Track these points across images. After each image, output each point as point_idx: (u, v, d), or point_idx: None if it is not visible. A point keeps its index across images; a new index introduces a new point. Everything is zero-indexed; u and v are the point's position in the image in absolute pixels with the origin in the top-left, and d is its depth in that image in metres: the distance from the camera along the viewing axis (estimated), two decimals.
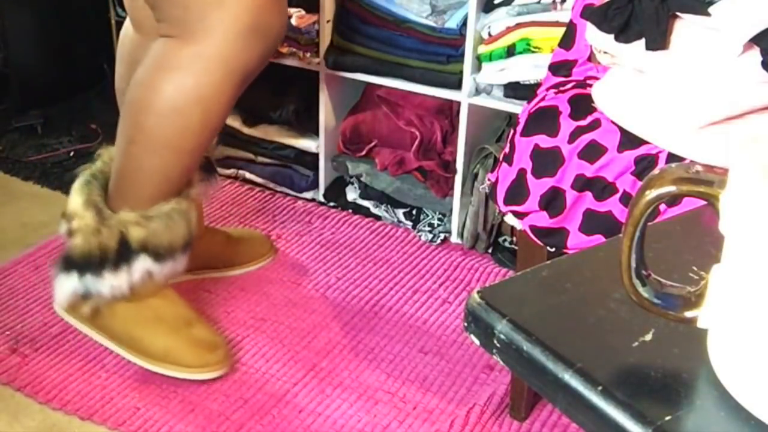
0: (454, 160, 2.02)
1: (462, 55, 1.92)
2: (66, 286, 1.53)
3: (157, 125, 1.42)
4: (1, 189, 2.26)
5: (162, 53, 1.42)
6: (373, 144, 2.13)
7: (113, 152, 1.55)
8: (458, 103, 1.97)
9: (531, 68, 1.83)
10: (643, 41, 1.12)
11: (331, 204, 2.23)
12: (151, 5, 1.43)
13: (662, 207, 1.03)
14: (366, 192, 2.17)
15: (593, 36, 1.20)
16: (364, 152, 2.13)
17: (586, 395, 0.50)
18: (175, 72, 1.40)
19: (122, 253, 1.49)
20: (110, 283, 1.50)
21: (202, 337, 1.61)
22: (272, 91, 2.18)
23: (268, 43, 1.44)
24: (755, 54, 1.05)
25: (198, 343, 1.59)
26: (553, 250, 1.33)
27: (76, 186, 1.55)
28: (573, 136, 1.26)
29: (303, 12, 2.13)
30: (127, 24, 1.69)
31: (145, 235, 1.48)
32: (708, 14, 1.06)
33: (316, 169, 2.24)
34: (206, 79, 1.40)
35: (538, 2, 1.82)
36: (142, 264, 1.50)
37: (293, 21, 2.10)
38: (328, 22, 2.08)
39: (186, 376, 1.58)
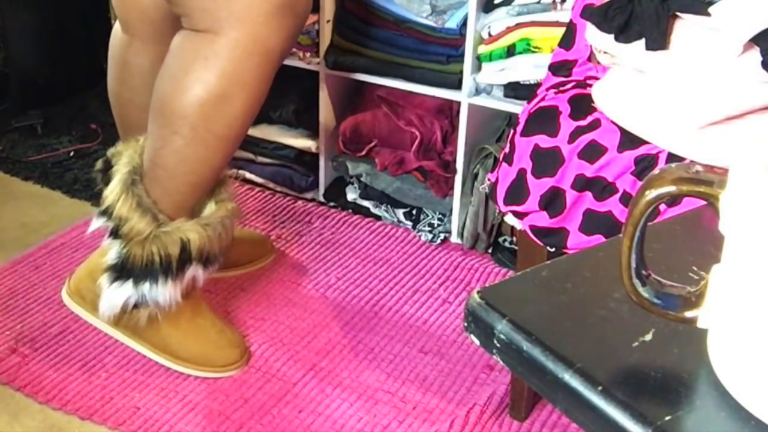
0: (454, 160, 2.02)
1: (462, 55, 1.92)
2: (118, 296, 1.50)
3: (203, 115, 1.42)
4: (1, 189, 2.26)
5: (194, 45, 1.41)
6: (373, 144, 2.12)
7: (140, 146, 1.53)
8: (458, 103, 1.97)
9: (531, 68, 1.83)
10: (643, 41, 1.12)
11: (331, 204, 2.23)
12: (176, 7, 1.42)
13: (662, 207, 1.03)
14: (366, 192, 2.17)
15: (593, 36, 1.20)
16: (364, 152, 2.13)
17: (586, 395, 0.50)
18: (213, 61, 1.39)
19: (182, 261, 1.47)
20: (168, 291, 1.48)
21: (227, 336, 1.64)
22: (272, 91, 2.17)
23: (298, 19, 1.45)
24: (755, 54, 1.05)
25: (226, 344, 1.63)
26: (553, 250, 1.33)
27: (118, 186, 1.50)
28: (573, 136, 1.26)
29: None
30: (117, 26, 1.69)
31: (202, 243, 1.48)
32: (708, 14, 1.06)
33: (316, 169, 2.24)
34: (247, 64, 1.40)
35: (538, 2, 1.82)
36: (193, 271, 1.50)
37: None
38: (328, 22, 2.08)
39: (215, 375, 1.61)
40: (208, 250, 1.50)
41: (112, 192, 1.50)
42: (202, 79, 1.40)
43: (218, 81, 1.40)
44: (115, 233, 1.49)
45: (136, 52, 1.65)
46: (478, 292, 0.58)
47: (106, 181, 1.76)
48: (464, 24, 1.91)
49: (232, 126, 1.45)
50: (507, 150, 1.36)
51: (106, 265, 1.51)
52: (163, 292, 1.48)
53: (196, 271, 1.50)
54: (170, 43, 1.56)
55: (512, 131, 1.37)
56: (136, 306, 1.51)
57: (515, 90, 1.89)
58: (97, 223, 1.53)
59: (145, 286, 1.48)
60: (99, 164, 1.80)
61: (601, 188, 1.23)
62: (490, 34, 1.87)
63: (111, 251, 1.50)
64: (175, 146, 1.45)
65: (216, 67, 1.40)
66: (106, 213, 1.50)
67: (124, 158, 1.54)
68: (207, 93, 1.40)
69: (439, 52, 1.96)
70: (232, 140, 1.48)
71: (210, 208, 1.55)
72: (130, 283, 1.48)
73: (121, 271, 1.49)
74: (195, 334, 1.61)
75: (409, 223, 2.13)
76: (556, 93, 1.35)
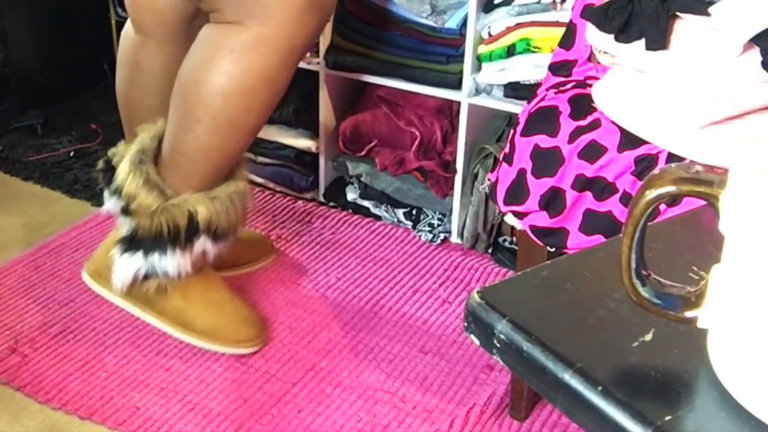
0: (454, 160, 2.02)
1: (462, 55, 1.92)
2: (129, 267, 1.54)
3: (225, 105, 1.45)
4: (1, 189, 2.27)
5: (222, 37, 1.44)
6: (373, 144, 2.13)
7: (157, 130, 1.57)
8: (458, 103, 1.97)
9: (531, 68, 1.83)
10: (643, 41, 1.12)
11: (331, 204, 2.23)
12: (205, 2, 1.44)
13: (662, 207, 1.03)
14: (366, 192, 2.17)
15: (593, 36, 1.20)
16: (364, 152, 2.13)
17: (586, 395, 0.50)
18: (240, 54, 1.42)
19: (189, 232, 1.51)
20: (177, 261, 1.52)
21: (243, 313, 1.67)
22: None
23: (324, 16, 1.48)
24: (755, 54, 1.05)
25: (242, 319, 1.65)
26: (553, 250, 1.33)
27: (126, 165, 1.54)
28: (573, 136, 1.26)
29: None
30: (128, 26, 1.69)
31: (209, 215, 1.52)
32: (708, 14, 1.06)
33: (316, 169, 2.24)
34: (272, 59, 1.43)
35: (538, 2, 1.82)
36: (202, 243, 1.53)
37: None
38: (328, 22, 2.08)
39: (231, 350, 1.64)
40: (216, 223, 1.53)
41: (121, 171, 1.54)
42: (227, 72, 1.43)
43: (243, 74, 1.43)
44: (125, 210, 1.53)
45: (149, 53, 1.65)
46: (478, 292, 0.58)
47: (108, 181, 1.76)
48: (464, 24, 1.91)
49: (252, 118, 1.49)
50: (507, 150, 1.36)
51: (117, 238, 1.56)
52: (172, 263, 1.52)
53: (205, 244, 1.54)
54: (184, 44, 1.58)
55: (512, 131, 1.37)
56: (146, 277, 1.55)
57: (515, 90, 1.89)
58: (108, 202, 1.57)
59: (155, 257, 1.52)
60: (100, 164, 1.80)
61: (601, 188, 1.23)
62: (490, 34, 1.87)
63: (123, 227, 1.55)
64: (195, 134, 1.49)
65: (242, 60, 1.43)
66: (117, 192, 1.54)
67: (141, 139, 1.58)
68: (230, 86, 1.44)
69: (439, 52, 1.96)
70: (251, 131, 1.52)
71: (222, 184, 1.58)
72: (140, 254, 1.53)
73: (131, 242, 1.53)
74: (208, 307, 1.64)
75: (409, 223, 2.13)
76: (556, 93, 1.35)
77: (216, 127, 1.47)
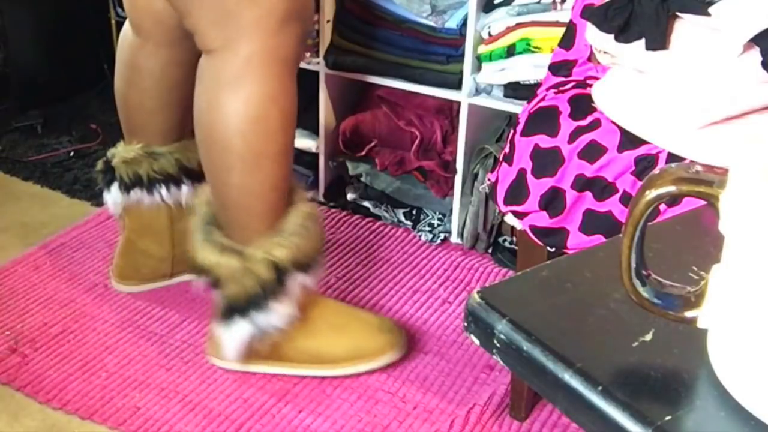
0: (454, 160, 2.02)
1: (462, 55, 1.92)
2: (237, 336, 1.51)
3: (245, 141, 1.42)
4: (1, 189, 2.27)
5: (215, 71, 1.41)
6: (373, 144, 2.12)
7: (207, 194, 1.53)
8: (458, 103, 1.97)
9: (531, 68, 1.83)
10: (643, 41, 1.12)
11: (331, 204, 2.23)
12: (182, 14, 1.42)
13: (662, 207, 1.03)
14: (366, 192, 2.16)
15: (593, 36, 1.20)
16: (364, 152, 2.13)
17: (586, 395, 0.50)
18: (236, 85, 1.39)
19: (280, 279, 1.47)
20: (280, 312, 1.49)
21: (371, 323, 1.63)
22: None
23: (305, 23, 1.45)
24: (755, 54, 1.06)
25: (375, 330, 1.61)
26: (553, 250, 1.33)
27: (198, 242, 1.51)
28: (573, 136, 1.26)
29: None
30: (127, 27, 1.69)
31: (290, 253, 1.47)
32: (708, 14, 1.06)
33: (316, 169, 2.24)
34: (267, 78, 1.40)
35: (538, 2, 1.82)
36: (296, 282, 1.49)
37: None
38: (328, 22, 2.08)
39: (379, 364, 1.60)
40: (301, 257, 1.49)
41: (194, 250, 1.51)
42: (232, 108, 1.40)
43: (246, 104, 1.40)
44: (215, 285, 1.50)
45: (148, 55, 1.64)
46: (478, 292, 0.58)
47: (107, 182, 1.76)
48: (464, 24, 1.91)
49: (278, 141, 1.45)
50: (507, 150, 1.36)
51: (215, 314, 1.53)
52: (277, 316, 1.49)
53: (299, 281, 1.50)
54: (182, 46, 1.56)
55: (512, 131, 1.37)
56: (258, 339, 1.52)
57: (515, 90, 1.89)
58: (197, 282, 1.54)
59: (259, 317, 1.49)
60: (100, 165, 1.80)
61: (601, 188, 1.23)
62: (490, 34, 1.87)
63: (217, 299, 1.52)
64: (233, 181, 1.45)
65: (240, 91, 1.39)
66: (199, 270, 1.51)
67: (196, 212, 1.55)
68: (240, 120, 1.40)
69: (439, 52, 1.96)
70: (284, 153, 1.47)
71: (288, 215, 1.53)
72: (243, 321, 1.49)
73: (231, 312, 1.50)
74: (336, 334, 1.60)
75: (409, 223, 2.13)
76: (556, 93, 1.35)
77: (248, 166, 1.43)
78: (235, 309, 1.49)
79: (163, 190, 1.74)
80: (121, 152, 1.74)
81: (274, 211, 1.49)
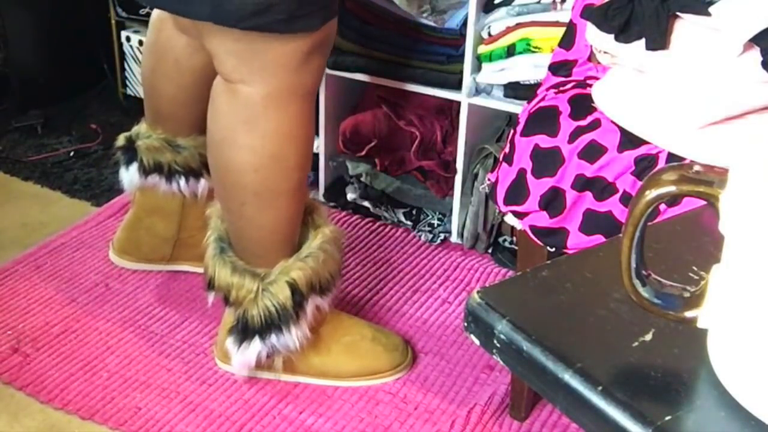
0: (454, 160, 2.02)
1: (462, 55, 1.92)
2: (249, 355, 1.50)
3: (260, 179, 1.40)
4: (1, 189, 2.26)
5: (232, 105, 1.38)
6: (373, 144, 2.12)
7: (220, 212, 1.52)
8: (458, 103, 1.97)
9: (531, 68, 1.83)
10: (643, 41, 1.12)
11: (331, 204, 2.23)
12: (203, 35, 1.37)
13: (662, 207, 1.03)
14: (366, 192, 2.16)
15: (593, 36, 1.20)
16: (364, 152, 2.13)
17: (586, 395, 0.50)
18: (254, 124, 1.37)
19: (296, 302, 1.46)
20: (294, 334, 1.48)
21: (382, 342, 1.63)
22: None
23: (327, 50, 1.42)
24: (755, 54, 1.06)
25: (388, 348, 1.62)
26: (553, 250, 1.33)
27: (211, 259, 1.50)
28: (573, 136, 1.26)
29: None
30: (159, 20, 1.63)
31: (308, 276, 1.46)
32: (708, 14, 1.06)
33: (316, 169, 2.23)
34: (287, 117, 1.38)
35: (538, 2, 1.83)
36: (312, 304, 1.49)
37: None
38: None
39: (387, 380, 1.61)
40: (318, 280, 1.48)
41: (207, 267, 1.51)
42: (248, 146, 1.38)
43: (263, 143, 1.38)
44: (227, 301, 1.50)
45: (193, 52, 1.60)
46: (478, 292, 0.58)
47: (127, 161, 1.73)
48: (464, 24, 1.91)
49: (292, 178, 1.43)
50: (507, 150, 1.36)
51: (228, 327, 1.52)
52: (291, 338, 1.48)
53: (315, 303, 1.49)
54: None
55: (512, 131, 1.37)
56: (269, 356, 1.51)
57: (515, 90, 1.89)
58: (210, 296, 1.53)
59: (272, 338, 1.48)
60: (121, 140, 1.76)
61: (601, 188, 1.23)
62: (490, 34, 1.87)
63: (230, 315, 1.52)
64: (248, 216, 1.44)
65: (258, 130, 1.37)
66: (211, 285, 1.51)
67: (210, 228, 1.53)
68: (256, 158, 1.39)
69: (439, 52, 1.96)
70: (299, 186, 1.46)
71: (308, 238, 1.52)
72: (256, 340, 1.48)
73: (245, 331, 1.49)
74: (348, 352, 1.60)
75: (409, 223, 2.13)
76: (556, 93, 1.35)
77: (263, 201, 1.42)
78: (250, 330, 1.48)
79: (182, 181, 1.73)
80: (144, 136, 1.72)
81: (289, 241, 1.49)
